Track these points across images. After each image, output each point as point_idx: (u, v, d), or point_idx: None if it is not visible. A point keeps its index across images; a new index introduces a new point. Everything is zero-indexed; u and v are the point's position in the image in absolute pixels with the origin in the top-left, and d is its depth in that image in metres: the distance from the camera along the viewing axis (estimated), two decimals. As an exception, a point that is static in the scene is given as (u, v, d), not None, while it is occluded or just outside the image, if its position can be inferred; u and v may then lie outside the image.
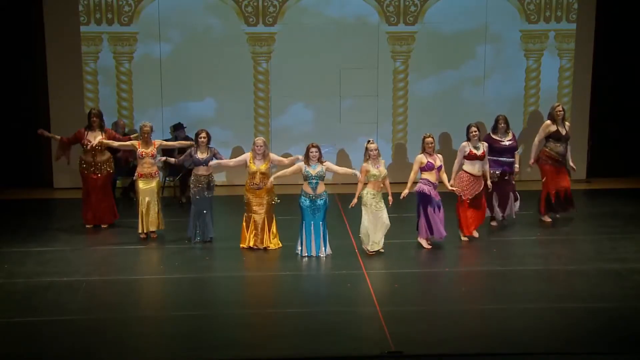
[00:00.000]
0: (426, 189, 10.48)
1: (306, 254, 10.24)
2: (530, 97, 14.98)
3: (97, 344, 7.40)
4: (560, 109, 11.68)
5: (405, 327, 7.74)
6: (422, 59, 14.76)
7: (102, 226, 11.63)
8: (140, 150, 10.94)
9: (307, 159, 10.33)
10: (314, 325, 7.85)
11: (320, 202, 10.29)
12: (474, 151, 10.85)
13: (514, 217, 11.68)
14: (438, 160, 10.55)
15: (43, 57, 14.31)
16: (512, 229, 11.49)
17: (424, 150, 10.57)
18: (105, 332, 7.70)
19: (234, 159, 10.86)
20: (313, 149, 10.28)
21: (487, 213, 11.56)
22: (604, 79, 14.98)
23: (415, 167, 10.57)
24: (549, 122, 11.73)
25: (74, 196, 13.15)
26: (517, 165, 11.66)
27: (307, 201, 10.28)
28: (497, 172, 11.46)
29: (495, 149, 11.46)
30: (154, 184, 11.00)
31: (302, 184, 10.33)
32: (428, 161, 10.50)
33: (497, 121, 11.59)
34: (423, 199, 10.49)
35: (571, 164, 11.85)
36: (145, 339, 7.60)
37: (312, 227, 10.28)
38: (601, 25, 14.78)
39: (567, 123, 11.84)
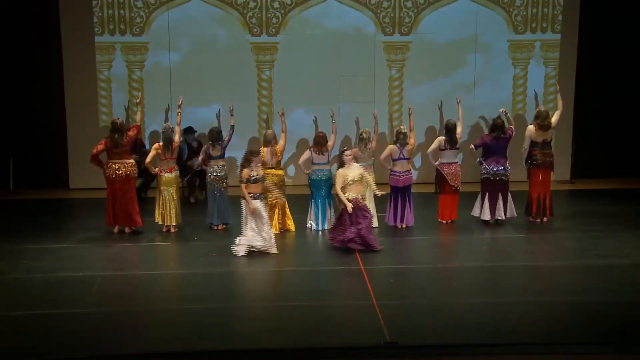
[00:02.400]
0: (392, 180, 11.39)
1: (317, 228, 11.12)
2: (517, 103, 15.00)
3: (110, 335, 7.40)
4: (550, 122, 11.64)
5: (400, 319, 7.74)
6: (416, 67, 14.78)
7: (126, 230, 11.20)
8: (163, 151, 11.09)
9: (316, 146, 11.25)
10: (314, 318, 7.86)
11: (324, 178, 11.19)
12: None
13: (499, 221, 11.60)
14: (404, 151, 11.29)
15: (60, 65, 14.35)
16: (501, 227, 11.48)
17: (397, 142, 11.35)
18: (118, 324, 7.71)
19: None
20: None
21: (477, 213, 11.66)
22: (587, 86, 15.00)
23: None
24: (533, 128, 11.75)
25: (89, 196, 13.19)
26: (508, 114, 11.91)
27: (316, 178, 11.12)
28: (491, 174, 11.42)
29: (489, 149, 11.45)
30: (173, 179, 11.07)
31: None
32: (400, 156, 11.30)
33: (494, 124, 11.56)
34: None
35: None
36: (156, 330, 7.60)
37: (319, 202, 11.21)
38: (584, 36, 14.81)
39: (552, 120, 11.72)
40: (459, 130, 11.63)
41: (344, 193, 10.11)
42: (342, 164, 10.27)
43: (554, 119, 11.68)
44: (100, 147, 11.05)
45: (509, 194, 11.58)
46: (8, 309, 8.07)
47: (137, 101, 11.98)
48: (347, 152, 10.27)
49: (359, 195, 10.17)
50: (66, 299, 8.40)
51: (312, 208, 11.31)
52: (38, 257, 9.97)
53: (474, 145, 11.58)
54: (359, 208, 10.07)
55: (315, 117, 12.93)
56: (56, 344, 7.17)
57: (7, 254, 10.07)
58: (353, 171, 10.19)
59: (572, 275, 9.17)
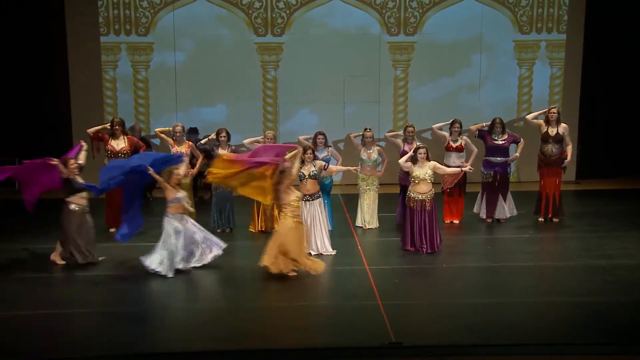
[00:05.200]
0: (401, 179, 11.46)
1: None
2: (523, 104, 15.06)
3: (113, 335, 7.45)
4: (554, 111, 11.62)
5: (405, 319, 7.79)
6: (421, 67, 14.85)
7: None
8: (175, 149, 11.15)
9: (314, 145, 11.04)
10: (320, 318, 7.93)
11: (325, 182, 10.97)
12: (452, 144, 11.61)
13: (503, 221, 11.75)
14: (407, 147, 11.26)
15: (65, 65, 14.45)
16: (506, 227, 11.55)
17: (405, 139, 11.45)
18: (121, 324, 7.76)
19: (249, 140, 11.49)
20: (320, 136, 11.16)
21: (480, 212, 11.77)
22: (592, 86, 15.05)
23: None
24: (542, 122, 11.73)
25: (94, 197, 13.22)
26: (517, 154, 11.74)
27: None
28: (491, 173, 11.57)
29: (488, 148, 11.58)
30: (187, 181, 11.14)
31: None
32: (403, 149, 11.25)
33: (494, 123, 11.67)
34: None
35: (565, 163, 11.73)
36: (157, 330, 7.66)
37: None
38: (589, 36, 14.86)
39: (563, 125, 11.61)
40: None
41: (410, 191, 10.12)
42: (414, 161, 10.08)
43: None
44: (105, 135, 11.38)
45: (509, 193, 11.71)
46: (13, 308, 8.15)
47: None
48: (422, 151, 10.03)
49: (422, 196, 10.02)
50: (71, 299, 8.46)
51: None
52: (43, 256, 10.04)
53: (477, 130, 11.70)
54: (421, 209, 10.04)
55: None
56: (60, 344, 7.23)
57: (13, 254, 10.16)
58: (423, 169, 10.01)
59: (576, 276, 9.20)
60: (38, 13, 14.41)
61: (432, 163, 10.07)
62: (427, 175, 9.95)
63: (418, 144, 10.74)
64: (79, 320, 7.85)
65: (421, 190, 10.01)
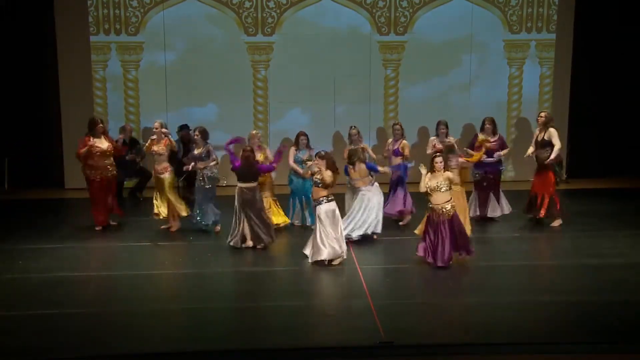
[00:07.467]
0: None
1: (299, 223, 11.43)
2: (513, 103, 15.04)
3: (106, 335, 7.40)
4: (542, 115, 11.53)
5: (395, 318, 7.76)
6: (412, 67, 14.81)
7: (112, 223, 11.44)
8: (153, 148, 11.09)
9: (296, 145, 11.29)
10: (310, 317, 7.88)
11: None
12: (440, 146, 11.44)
13: (496, 218, 11.72)
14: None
15: (55, 65, 14.34)
16: (498, 226, 11.52)
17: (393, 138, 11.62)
18: (113, 323, 7.70)
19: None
20: (302, 137, 11.34)
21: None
22: (582, 85, 15.05)
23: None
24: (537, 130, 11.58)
25: (84, 196, 13.15)
26: (501, 152, 11.64)
27: (295, 178, 11.30)
28: (479, 173, 11.56)
29: (477, 149, 11.54)
30: (166, 177, 11.16)
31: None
32: (392, 147, 11.55)
33: (483, 122, 11.66)
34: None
35: (547, 161, 11.59)
36: (149, 330, 7.60)
37: (303, 199, 11.33)
38: (579, 35, 14.86)
39: (550, 130, 11.26)
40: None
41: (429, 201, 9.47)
42: (432, 171, 9.38)
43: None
44: (83, 149, 11.17)
45: (501, 192, 11.69)
46: (4, 309, 8.07)
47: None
48: (437, 159, 9.35)
49: (438, 207, 9.32)
50: (63, 299, 8.39)
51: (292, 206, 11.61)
52: (34, 257, 9.97)
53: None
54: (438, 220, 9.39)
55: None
56: (52, 344, 7.17)
57: (3, 254, 10.07)
58: (436, 179, 9.32)
59: (568, 275, 9.20)
60: (27, 13, 14.30)
61: (447, 174, 9.40)
62: (439, 184, 9.27)
63: (404, 141, 11.37)
64: (77, 321, 7.77)
65: (436, 202, 9.36)
